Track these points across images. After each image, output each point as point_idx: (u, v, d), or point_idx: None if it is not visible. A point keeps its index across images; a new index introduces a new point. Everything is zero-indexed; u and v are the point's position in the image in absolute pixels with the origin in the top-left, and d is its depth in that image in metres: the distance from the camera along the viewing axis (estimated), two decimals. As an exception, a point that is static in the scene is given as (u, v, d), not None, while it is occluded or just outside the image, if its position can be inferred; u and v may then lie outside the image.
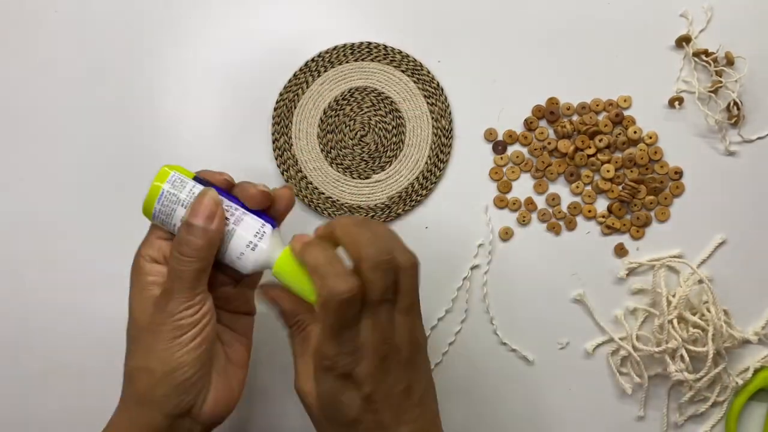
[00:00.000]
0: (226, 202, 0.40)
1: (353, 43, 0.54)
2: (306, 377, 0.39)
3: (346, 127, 0.54)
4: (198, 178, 0.41)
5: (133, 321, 0.39)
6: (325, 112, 0.54)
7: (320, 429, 0.40)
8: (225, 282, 0.43)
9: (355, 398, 0.37)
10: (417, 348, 0.39)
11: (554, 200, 0.53)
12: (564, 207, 0.53)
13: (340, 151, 0.54)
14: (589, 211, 0.52)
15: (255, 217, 0.40)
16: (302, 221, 0.54)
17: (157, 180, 0.40)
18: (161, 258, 0.40)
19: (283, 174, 0.54)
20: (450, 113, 0.53)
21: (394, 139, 0.53)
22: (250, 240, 0.40)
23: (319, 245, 0.38)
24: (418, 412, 0.39)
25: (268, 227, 0.40)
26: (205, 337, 0.39)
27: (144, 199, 0.40)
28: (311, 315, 0.40)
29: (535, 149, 0.53)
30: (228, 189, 0.41)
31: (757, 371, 0.52)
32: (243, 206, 0.41)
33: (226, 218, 0.39)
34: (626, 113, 0.52)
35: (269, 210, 0.41)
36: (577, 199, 0.53)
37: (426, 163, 0.53)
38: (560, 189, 0.53)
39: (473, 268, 0.53)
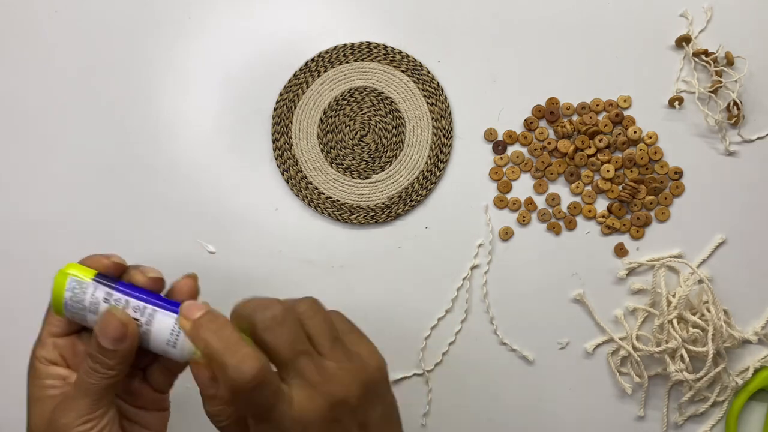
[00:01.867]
0: (133, 303, 0.37)
1: (353, 43, 0.54)
2: None
3: (346, 127, 0.54)
4: (98, 278, 0.38)
5: (29, 426, 0.37)
6: (325, 112, 0.54)
7: None
8: (135, 375, 0.40)
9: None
10: (363, 385, 0.34)
11: (554, 200, 0.53)
12: (564, 207, 0.53)
13: (340, 151, 0.54)
14: (589, 211, 0.52)
15: (166, 311, 0.37)
16: (302, 221, 0.54)
17: (56, 289, 0.37)
18: (58, 358, 0.38)
19: (283, 174, 0.54)
20: (450, 113, 0.53)
21: (394, 139, 0.53)
22: (167, 339, 0.37)
23: (210, 322, 0.35)
24: None
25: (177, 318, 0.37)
26: None
27: (50, 302, 0.38)
28: None
29: (535, 149, 0.53)
30: (119, 274, 0.39)
31: (757, 371, 0.52)
32: (149, 296, 0.38)
33: (137, 321, 0.37)
34: (626, 113, 0.52)
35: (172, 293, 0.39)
36: (577, 199, 0.53)
37: (426, 163, 0.53)
38: (560, 189, 0.53)
39: (473, 267, 0.53)
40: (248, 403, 0.33)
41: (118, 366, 0.36)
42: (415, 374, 0.53)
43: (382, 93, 0.54)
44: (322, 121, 0.54)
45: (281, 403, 0.33)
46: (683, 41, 0.52)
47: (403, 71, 0.53)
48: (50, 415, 0.36)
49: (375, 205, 0.53)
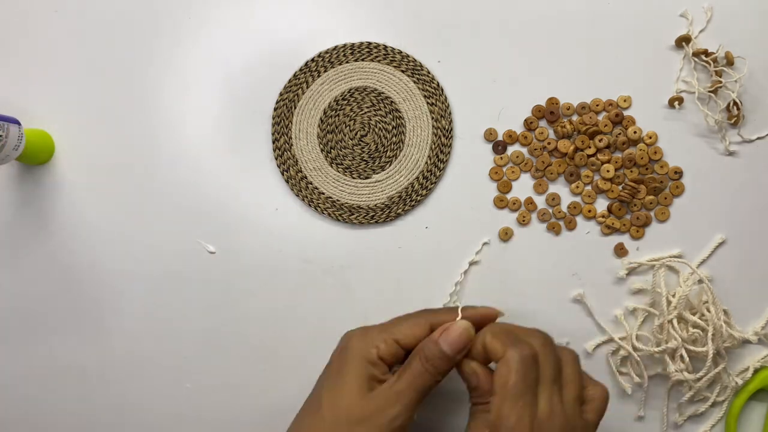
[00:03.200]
0: None
1: (353, 43, 0.54)
2: None
3: (346, 127, 0.54)
4: None
5: (344, 406, 0.40)
6: (325, 112, 0.54)
7: None
8: None
9: None
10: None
11: (554, 200, 0.53)
12: (564, 207, 0.53)
13: (340, 151, 0.54)
14: (589, 211, 0.52)
15: (12, 123, 0.50)
16: (302, 221, 0.54)
17: None
18: (386, 358, 0.42)
19: (283, 174, 0.54)
20: (450, 113, 0.53)
21: (394, 139, 0.53)
22: (15, 144, 0.50)
23: (496, 326, 0.42)
24: None
25: None
26: None
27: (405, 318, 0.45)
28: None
29: (535, 149, 0.53)
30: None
31: (756, 371, 0.52)
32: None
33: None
34: (626, 113, 0.52)
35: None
36: (577, 199, 0.53)
37: (426, 163, 0.53)
38: (560, 189, 0.53)
39: (472, 263, 0.53)
40: (517, 371, 0.39)
41: (449, 368, 0.41)
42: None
43: (382, 93, 0.54)
44: (322, 121, 0.54)
45: (533, 395, 0.38)
46: (683, 41, 0.52)
47: (403, 71, 0.53)
48: (372, 407, 0.40)
49: (375, 205, 0.53)
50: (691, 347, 0.49)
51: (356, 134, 0.54)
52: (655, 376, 0.52)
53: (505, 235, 0.53)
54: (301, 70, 0.54)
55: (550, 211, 0.53)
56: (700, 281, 0.50)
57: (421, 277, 0.53)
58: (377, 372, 0.41)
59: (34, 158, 0.54)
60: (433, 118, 0.53)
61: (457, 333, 0.41)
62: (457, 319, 0.42)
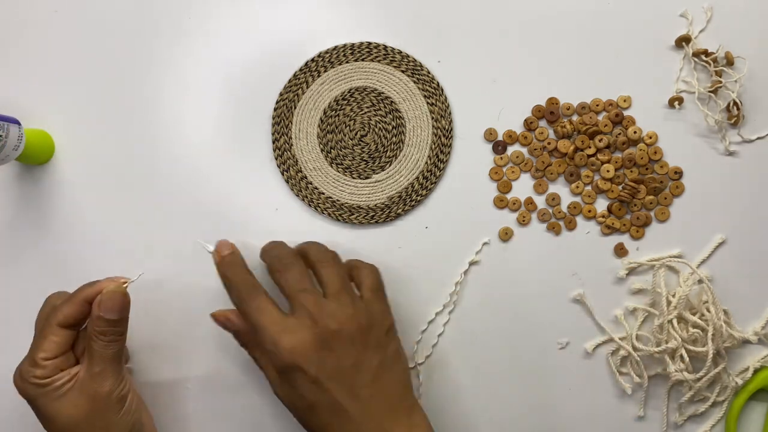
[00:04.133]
0: None
1: (353, 43, 0.54)
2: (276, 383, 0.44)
3: (346, 127, 0.54)
4: None
5: (65, 423, 0.43)
6: (325, 112, 0.54)
7: (301, 423, 0.44)
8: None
9: (305, 381, 0.42)
10: (359, 327, 0.43)
11: (554, 200, 0.53)
12: (564, 207, 0.53)
13: (340, 151, 0.54)
14: (589, 211, 0.52)
15: (12, 123, 0.50)
16: (302, 221, 0.54)
17: None
18: (55, 370, 0.43)
19: (283, 174, 0.54)
20: (450, 113, 0.53)
21: (394, 139, 0.53)
22: (15, 144, 0.50)
23: (233, 263, 0.47)
24: (374, 389, 0.43)
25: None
26: (134, 396, 0.46)
27: (36, 326, 0.47)
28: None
29: (535, 149, 0.53)
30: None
31: (756, 371, 0.52)
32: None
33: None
34: (626, 113, 0.52)
35: None
36: (577, 199, 0.53)
37: (426, 163, 0.53)
38: (560, 189, 0.53)
39: (472, 263, 0.53)
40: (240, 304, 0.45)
41: (125, 328, 0.45)
42: (413, 372, 0.53)
43: (382, 93, 0.54)
44: (322, 121, 0.54)
45: (267, 312, 0.44)
46: (683, 41, 0.52)
47: (403, 71, 0.53)
48: (87, 398, 0.43)
49: (375, 205, 0.53)
50: (691, 347, 0.49)
51: (356, 134, 0.54)
52: (655, 376, 0.52)
53: (505, 235, 0.53)
54: (301, 70, 0.54)
55: (550, 211, 0.53)
56: (700, 281, 0.50)
57: (421, 277, 0.53)
58: (57, 384, 0.43)
59: (34, 158, 0.54)
60: (433, 118, 0.53)
61: (111, 299, 0.44)
62: (104, 287, 0.45)
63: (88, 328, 0.44)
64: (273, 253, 0.47)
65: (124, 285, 0.45)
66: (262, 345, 0.43)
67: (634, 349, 0.51)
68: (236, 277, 0.45)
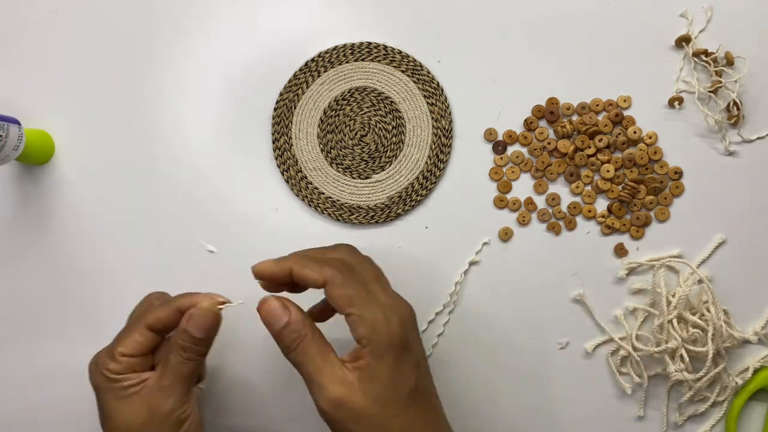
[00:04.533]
0: None
1: (353, 43, 0.54)
2: (343, 382, 0.38)
3: (346, 127, 0.54)
4: None
5: (121, 427, 0.42)
6: (325, 112, 0.54)
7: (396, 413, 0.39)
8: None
9: (411, 363, 0.39)
10: (411, 317, 0.42)
11: (554, 200, 0.53)
12: (564, 207, 0.53)
13: (340, 151, 0.54)
14: (589, 211, 0.52)
15: (12, 123, 0.50)
16: (302, 221, 0.54)
17: None
18: (128, 369, 0.42)
19: (283, 174, 0.54)
20: (450, 113, 0.53)
21: (394, 139, 0.53)
22: (15, 145, 0.50)
23: (294, 255, 0.43)
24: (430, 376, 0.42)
25: None
26: (193, 422, 0.43)
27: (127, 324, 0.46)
28: (313, 325, 0.41)
29: (535, 149, 0.53)
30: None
31: (756, 371, 0.52)
32: None
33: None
34: (626, 113, 0.52)
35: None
36: (577, 199, 0.53)
37: (426, 163, 0.53)
38: (560, 189, 0.53)
39: (472, 263, 0.53)
40: (343, 289, 0.40)
41: (208, 348, 0.43)
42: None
43: (382, 93, 0.54)
44: (322, 121, 0.54)
45: (369, 291, 0.41)
46: (683, 41, 0.52)
47: (403, 71, 0.53)
48: (147, 409, 0.41)
49: (375, 205, 0.53)
50: (691, 347, 0.49)
51: (356, 134, 0.54)
52: (655, 376, 0.52)
53: (505, 235, 0.53)
54: (301, 70, 0.54)
55: (550, 211, 0.53)
56: (700, 281, 0.50)
57: (421, 277, 0.53)
58: (125, 383, 0.42)
59: (34, 158, 0.54)
60: (433, 118, 0.53)
61: (202, 317, 0.42)
62: (200, 302, 0.43)
63: (172, 338, 0.43)
64: (326, 270, 0.41)
65: (220, 307, 0.43)
66: (362, 327, 0.39)
67: (634, 349, 0.51)
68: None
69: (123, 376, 0.42)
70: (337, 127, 0.54)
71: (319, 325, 0.42)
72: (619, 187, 0.52)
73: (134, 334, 0.43)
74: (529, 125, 0.53)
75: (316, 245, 0.54)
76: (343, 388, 0.38)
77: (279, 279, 0.41)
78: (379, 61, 0.53)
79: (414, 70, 0.53)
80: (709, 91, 0.51)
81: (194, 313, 0.42)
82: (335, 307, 0.40)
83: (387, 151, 0.53)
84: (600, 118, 0.52)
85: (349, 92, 0.54)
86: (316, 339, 0.40)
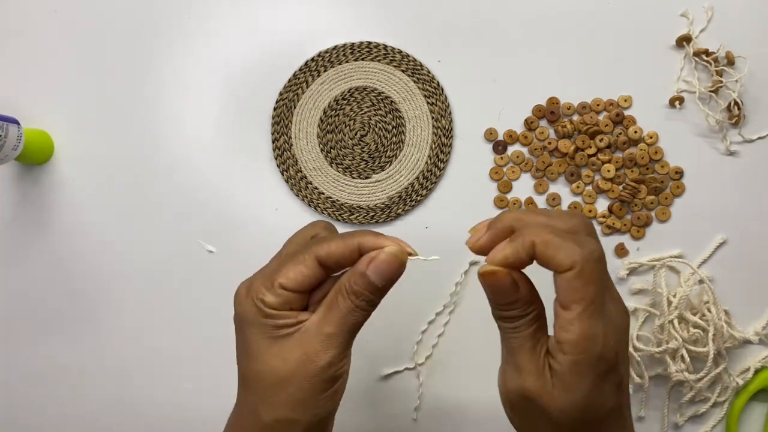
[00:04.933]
0: None
1: (353, 43, 0.53)
2: (536, 374, 0.33)
3: (346, 126, 0.54)
4: None
5: (265, 370, 0.36)
6: (325, 112, 0.54)
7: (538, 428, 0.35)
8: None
9: (613, 386, 0.33)
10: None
11: (555, 200, 0.53)
12: (564, 207, 0.53)
13: (340, 150, 0.54)
14: (590, 211, 0.52)
15: (12, 123, 0.50)
16: (302, 221, 0.54)
17: None
18: (284, 304, 0.36)
19: (282, 174, 0.54)
20: (450, 113, 0.53)
21: (394, 139, 0.53)
22: (14, 144, 0.50)
23: (537, 227, 0.34)
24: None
25: None
26: (344, 382, 0.37)
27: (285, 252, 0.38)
28: (540, 305, 0.35)
29: (536, 149, 0.53)
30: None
31: (757, 371, 0.52)
32: None
33: None
34: (627, 113, 0.52)
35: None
36: (578, 199, 0.53)
37: (426, 163, 0.53)
38: (561, 189, 0.53)
39: (472, 263, 0.53)
40: (596, 279, 0.32)
41: (380, 300, 0.37)
42: (406, 368, 0.53)
43: (382, 93, 0.53)
44: (322, 120, 0.54)
45: (607, 297, 0.33)
46: (684, 41, 0.52)
47: (403, 71, 0.53)
48: (302, 357, 0.35)
49: (375, 205, 0.53)
50: (692, 347, 0.49)
51: (356, 134, 0.54)
52: (655, 376, 0.52)
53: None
54: (300, 69, 0.54)
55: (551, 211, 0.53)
56: (701, 281, 0.50)
57: (421, 277, 0.53)
58: (280, 321, 0.35)
59: (34, 158, 0.53)
60: (433, 117, 0.53)
61: (388, 261, 0.36)
62: (386, 245, 0.36)
63: (343, 279, 0.36)
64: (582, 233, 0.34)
65: (409, 256, 0.37)
66: (573, 332, 0.32)
67: (635, 349, 0.51)
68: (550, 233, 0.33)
69: (280, 312, 0.35)
70: (337, 127, 0.54)
71: None
72: (620, 187, 0.52)
73: (301, 264, 0.36)
74: (529, 125, 0.53)
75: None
76: (539, 382, 0.33)
77: (514, 264, 0.34)
78: (379, 61, 0.53)
79: (414, 69, 0.53)
80: (710, 91, 0.51)
81: (379, 256, 0.36)
82: (559, 295, 0.33)
83: (387, 151, 0.53)
84: (601, 117, 0.52)
85: (349, 92, 0.54)
86: (535, 320, 0.35)
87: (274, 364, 0.35)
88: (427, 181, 0.53)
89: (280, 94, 0.54)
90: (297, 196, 0.54)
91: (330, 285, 0.37)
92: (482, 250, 0.35)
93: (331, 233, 0.39)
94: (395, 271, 0.36)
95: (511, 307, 0.35)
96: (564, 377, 0.32)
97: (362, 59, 0.53)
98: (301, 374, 0.35)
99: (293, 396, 0.35)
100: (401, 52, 0.53)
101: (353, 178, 0.54)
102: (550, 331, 0.34)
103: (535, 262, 0.34)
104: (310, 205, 0.54)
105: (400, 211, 0.53)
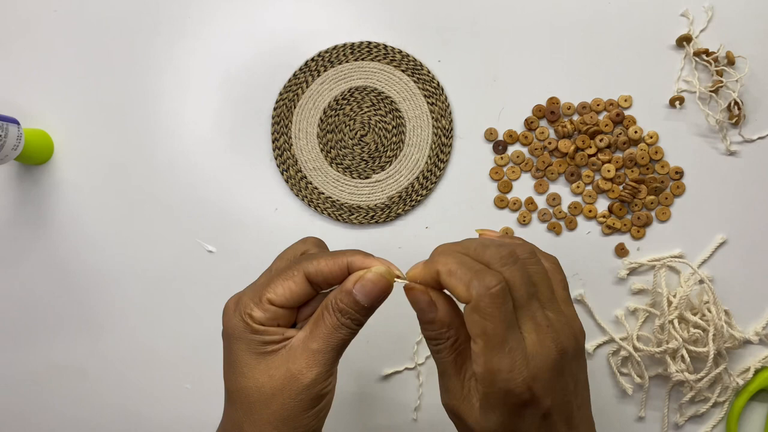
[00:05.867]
0: None
1: (353, 43, 0.53)
2: (461, 397, 0.34)
3: (346, 126, 0.54)
4: None
5: (250, 387, 0.35)
6: (324, 112, 0.54)
7: None
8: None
9: (534, 418, 0.33)
10: (579, 342, 0.35)
11: (555, 200, 0.53)
12: (564, 207, 0.53)
13: (340, 150, 0.54)
14: (590, 211, 0.52)
15: (12, 122, 0.50)
16: (302, 221, 0.54)
17: None
18: (272, 321, 0.36)
19: (282, 174, 0.54)
20: (450, 113, 0.53)
21: (394, 138, 0.53)
22: (14, 144, 0.50)
23: (443, 254, 0.35)
24: (582, 412, 0.35)
25: None
26: (330, 401, 0.37)
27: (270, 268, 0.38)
28: (464, 330, 0.35)
29: (536, 149, 0.53)
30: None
31: (757, 371, 0.52)
32: None
33: None
34: (627, 113, 0.52)
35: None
36: (578, 199, 0.53)
37: (426, 163, 0.53)
38: (561, 189, 0.53)
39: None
40: (493, 312, 0.32)
41: (366, 319, 0.36)
42: (406, 368, 0.53)
43: (382, 93, 0.53)
44: (321, 120, 0.54)
45: (516, 331, 0.32)
46: (684, 41, 0.52)
47: (403, 71, 0.53)
48: (286, 374, 0.35)
49: (375, 205, 0.53)
50: (692, 347, 0.49)
51: (356, 134, 0.54)
52: (655, 376, 0.52)
53: (506, 236, 0.53)
54: (300, 69, 0.54)
55: (551, 211, 0.53)
56: (701, 281, 0.50)
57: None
58: (267, 337, 0.36)
59: (33, 158, 0.53)
60: (433, 117, 0.53)
61: (374, 281, 0.35)
62: (373, 266, 0.36)
63: (330, 296, 0.36)
64: (493, 248, 0.34)
65: (396, 279, 0.36)
66: (479, 365, 0.32)
67: (635, 349, 0.51)
68: (460, 265, 0.34)
69: (267, 329, 0.35)
70: (336, 127, 0.54)
71: None
72: (620, 187, 0.52)
73: (290, 280, 0.36)
74: (529, 125, 0.53)
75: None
76: (464, 405, 0.34)
77: (428, 284, 0.35)
78: (379, 61, 0.53)
79: (414, 69, 0.53)
80: (710, 91, 0.51)
81: (366, 276, 0.35)
82: (467, 326, 0.33)
83: (387, 150, 0.53)
84: (601, 117, 0.52)
85: (349, 92, 0.54)
86: (457, 345, 0.35)
87: (260, 380, 0.35)
88: (427, 181, 0.53)
89: (280, 93, 0.54)
90: (297, 196, 0.54)
91: (318, 302, 0.37)
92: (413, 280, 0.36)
93: (321, 250, 0.39)
94: (381, 291, 0.36)
95: (431, 327, 0.35)
96: (482, 405, 0.33)
97: (362, 59, 0.53)
98: (286, 391, 0.35)
99: (278, 413, 0.35)
100: (401, 52, 0.53)
101: (353, 178, 0.53)
102: None
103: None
104: (309, 205, 0.54)
105: (400, 211, 0.53)
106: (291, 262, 0.38)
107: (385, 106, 0.53)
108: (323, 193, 0.54)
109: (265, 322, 0.35)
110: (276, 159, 0.54)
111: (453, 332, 0.35)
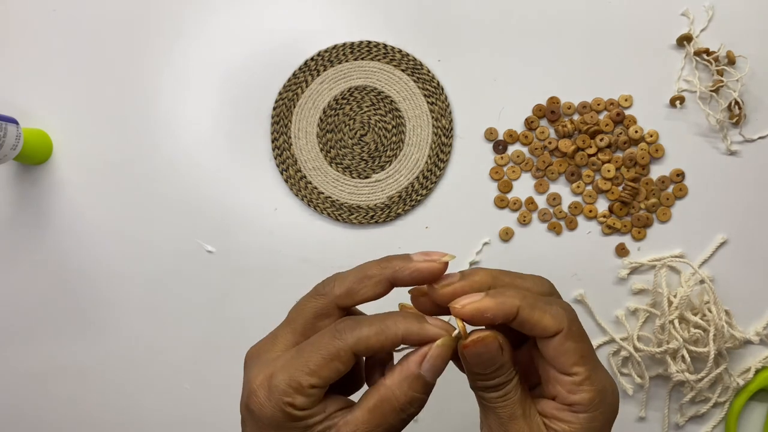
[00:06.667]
0: None
1: (353, 42, 0.53)
2: None
3: (345, 126, 0.53)
4: None
5: None
6: (324, 112, 0.54)
7: None
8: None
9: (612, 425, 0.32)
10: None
11: (555, 200, 0.52)
12: (565, 207, 0.53)
13: (340, 150, 0.53)
14: (590, 211, 0.52)
15: (11, 122, 0.49)
16: (302, 221, 0.54)
17: None
18: (313, 405, 0.31)
19: (282, 174, 0.54)
20: (450, 112, 0.53)
21: (393, 138, 0.53)
22: (13, 144, 0.50)
23: (508, 289, 0.32)
24: None
25: None
26: None
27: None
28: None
29: (536, 149, 0.52)
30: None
31: (758, 371, 0.51)
32: None
33: None
34: (627, 112, 0.52)
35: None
36: (578, 198, 0.53)
37: (426, 162, 0.53)
38: (561, 189, 0.53)
39: (473, 264, 0.53)
40: (578, 344, 0.30)
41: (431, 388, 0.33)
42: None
43: (382, 92, 0.53)
44: (321, 120, 0.54)
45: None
46: (684, 40, 0.52)
47: (403, 70, 0.53)
48: None
49: (375, 205, 0.53)
50: (693, 348, 0.49)
51: (356, 134, 0.53)
52: (656, 376, 0.52)
53: (506, 235, 0.53)
54: (300, 69, 0.54)
55: (551, 211, 0.53)
56: (702, 281, 0.50)
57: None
58: (310, 420, 0.31)
59: (32, 158, 0.53)
60: (433, 117, 0.53)
61: (443, 357, 0.32)
62: (433, 333, 0.32)
63: (394, 389, 0.32)
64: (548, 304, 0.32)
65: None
66: (587, 391, 0.30)
67: (636, 349, 0.51)
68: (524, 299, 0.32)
69: (310, 412, 0.31)
70: (336, 127, 0.53)
71: None
72: (620, 188, 0.52)
73: (336, 360, 0.31)
74: (529, 124, 0.53)
75: (316, 245, 0.54)
76: None
77: (496, 322, 0.31)
78: (378, 60, 0.53)
79: (414, 69, 0.53)
80: (711, 91, 0.51)
81: (433, 353, 0.31)
82: (554, 360, 0.31)
83: (387, 150, 0.53)
84: (601, 117, 0.52)
85: (348, 91, 0.53)
86: (521, 383, 0.32)
87: None
88: (427, 181, 0.53)
89: (280, 93, 0.54)
90: (296, 195, 0.54)
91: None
92: (453, 296, 0.33)
93: (369, 323, 0.32)
94: (448, 360, 0.32)
95: (498, 373, 0.32)
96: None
97: (362, 58, 0.53)
98: None
99: None
100: (401, 51, 0.53)
101: (353, 177, 0.53)
102: None
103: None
104: (309, 205, 0.53)
105: (400, 210, 0.53)
106: (334, 336, 0.32)
107: (384, 106, 0.53)
108: (323, 193, 0.53)
109: (309, 406, 0.31)
110: (275, 159, 0.54)
111: (517, 367, 0.32)
